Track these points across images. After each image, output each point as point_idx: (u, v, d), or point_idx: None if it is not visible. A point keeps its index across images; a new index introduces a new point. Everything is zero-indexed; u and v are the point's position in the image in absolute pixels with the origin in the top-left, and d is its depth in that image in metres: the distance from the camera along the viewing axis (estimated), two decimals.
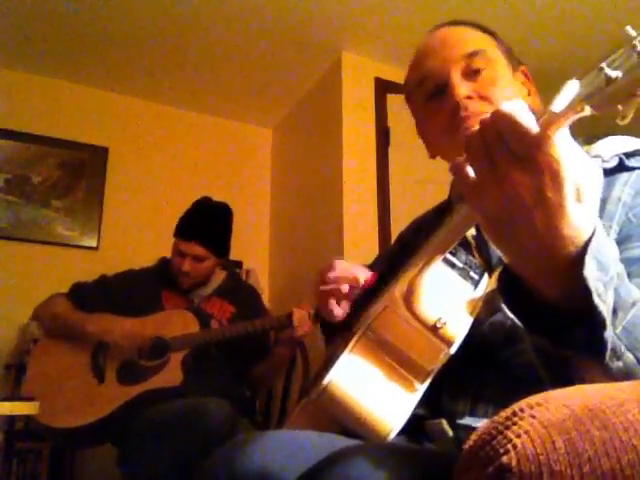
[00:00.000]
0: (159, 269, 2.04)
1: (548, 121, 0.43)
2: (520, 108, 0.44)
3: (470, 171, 0.48)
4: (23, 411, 1.63)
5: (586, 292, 0.46)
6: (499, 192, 0.46)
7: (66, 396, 1.72)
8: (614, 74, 0.39)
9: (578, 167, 0.45)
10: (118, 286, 1.95)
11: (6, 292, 2.68)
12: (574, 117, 0.42)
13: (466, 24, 0.87)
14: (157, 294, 1.95)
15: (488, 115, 0.45)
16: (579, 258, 0.46)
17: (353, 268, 0.83)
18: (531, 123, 0.43)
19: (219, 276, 2.07)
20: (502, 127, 0.44)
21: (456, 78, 0.80)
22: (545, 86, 0.87)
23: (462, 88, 0.79)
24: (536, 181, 0.44)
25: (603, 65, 0.40)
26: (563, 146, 0.44)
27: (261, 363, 1.97)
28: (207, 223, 1.96)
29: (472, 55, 0.81)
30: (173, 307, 1.92)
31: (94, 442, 1.88)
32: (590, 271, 0.46)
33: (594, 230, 0.47)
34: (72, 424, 1.67)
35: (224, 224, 2.01)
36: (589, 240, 0.46)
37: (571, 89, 0.43)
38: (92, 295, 1.90)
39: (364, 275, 0.82)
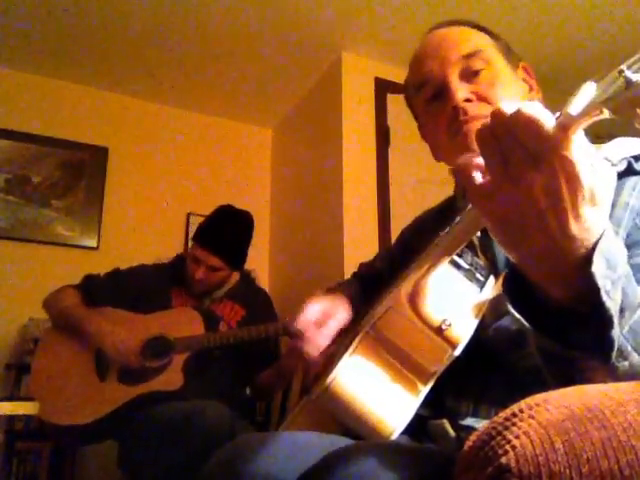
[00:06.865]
0: (174, 266, 2.02)
1: (565, 123, 0.42)
2: (540, 109, 0.43)
3: (477, 174, 0.47)
4: (23, 411, 1.63)
5: (594, 290, 0.46)
6: (513, 192, 0.45)
7: (68, 393, 1.73)
8: (635, 77, 0.38)
9: (593, 170, 0.44)
10: (129, 281, 1.93)
11: (6, 292, 2.68)
12: (591, 120, 0.42)
13: (463, 24, 0.86)
14: (167, 291, 1.93)
15: (506, 114, 0.44)
16: (588, 257, 0.46)
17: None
18: (551, 124, 0.43)
19: (232, 278, 2.02)
20: (522, 127, 0.43)
21: (454, 81, 0.79)
22: (544, 87, 0.87)
23: (460, 92, 0.78)
24: (552, 183, 0.44)
25: (623, 67, 0.39)
26: (579, 149, 0.43)
27: (269, 370, 1.91)
28: (226, 234, 1.90)
29: (470, 56, 0.80)
30: (182, 305, 1.90)
31: (95, 439, 1.88)
32: (598, 269, 0.45)
33: (604, 230, 0.46)
34: (71, 422, 1.68)
35: (243, 236, 1.95)
36: (598, 240, 0.46)
37: (588, 92, 0.42)
38: (102, 289, 1.89)
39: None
